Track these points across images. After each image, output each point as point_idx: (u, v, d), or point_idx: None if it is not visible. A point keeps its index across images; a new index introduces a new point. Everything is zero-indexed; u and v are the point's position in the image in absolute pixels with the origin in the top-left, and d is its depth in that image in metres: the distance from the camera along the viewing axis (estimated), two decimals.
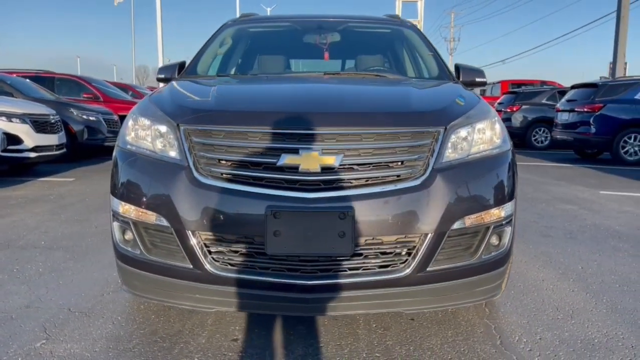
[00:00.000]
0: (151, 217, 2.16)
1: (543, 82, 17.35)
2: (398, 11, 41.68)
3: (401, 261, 2.09)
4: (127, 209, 2.24)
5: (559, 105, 11.75)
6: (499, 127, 2.38)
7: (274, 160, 2.06)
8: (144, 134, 2.32)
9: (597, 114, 10.32)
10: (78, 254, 3.69)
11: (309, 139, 2.06)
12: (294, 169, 2.04)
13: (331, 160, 2.04)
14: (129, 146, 2.35)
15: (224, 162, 2.11)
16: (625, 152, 10.20)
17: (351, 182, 2.05)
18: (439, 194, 2.08)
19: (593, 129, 10.30)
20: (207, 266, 2.09)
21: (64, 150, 8.24)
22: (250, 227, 2.04)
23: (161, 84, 3.58)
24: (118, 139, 2.47)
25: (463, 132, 2.23)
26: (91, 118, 9.76)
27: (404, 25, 3.85)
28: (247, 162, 2.09)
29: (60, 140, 8.07)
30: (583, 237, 4.37)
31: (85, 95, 11.53)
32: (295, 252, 2.00)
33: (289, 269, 2.05)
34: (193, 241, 2.09)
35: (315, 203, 1.99)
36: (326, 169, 2.03)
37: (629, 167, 9.76)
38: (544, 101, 14.02)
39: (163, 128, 2.26)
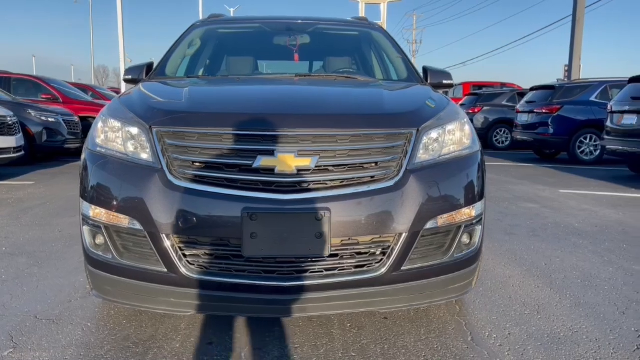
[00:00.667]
0: (124, 220, 2.13)
1: (503, 84, 17.79)
2: (362, 13, 42.10)
3: (376, 261, 2.12)
4: (98, 213, 2.20)
5: (518, 107, 12.06)
6: (468, 128, 2.43)
7: (250, 162, 2.05)
8: (114, 136, 2.28)
9: (554, 115, 10.64)
10: (42, 259, 3.59)
11: (285, 140, 2.07)
12: (269, 171, 2.04)
13: (307, 162, 2.05)
14: (98, 148, 2.31)
15: (197, 164, 2.10)
16: (582, 152, 10.55)
17: (327, 184, 2.06)
18: (413, 195, 2.12)
19: (551, 130, 10.61)
20: (182, 270, 2.07)
21: (22, 153, 7.99)
22: (225, 230, 2.03)
23: (128, 85, 3.53)
24: (87, 141, 2.42)
25: (434, 134, 2.27)
26: (50, 119, 9.49)
27: (373, 28, 3.90)
28: (222, 164, 2.08)
29: (18, 142, 7.82)
30: (545, 235, 4.51)
31: (43, 96, 11.20)
32: (272, 254, 2.00)
33: (266, 270, 2.06)
34: (167, 244, 2.07)
35: (292, 205, 2.00)
36: (302, 171, 2.04)
37: (585, 167, 10.10)
38: (504, 103, 14.37)
39: (134, 130, 2.22)
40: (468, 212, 2.26)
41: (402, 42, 74.59)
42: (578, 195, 6.71)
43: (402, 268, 2.13)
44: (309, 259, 2.05)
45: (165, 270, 2.09)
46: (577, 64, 15.18)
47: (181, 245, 2.07)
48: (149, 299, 2.20)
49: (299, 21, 3.79)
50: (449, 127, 2.34)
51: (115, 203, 2.14)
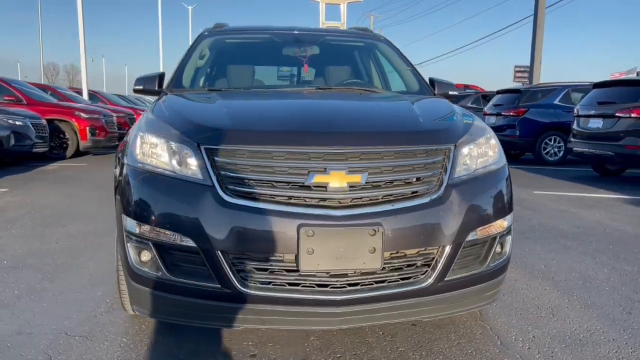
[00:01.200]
0: (175, 237, 2.14)
1: (466, 86, 18.25)
2: (322, 13, 42.24)
3: (422, 272, 2.20)
4: (146, 230, 2.20)
5: (486, 109, 12.44)
6: (495, 142, 2.55)
7: (302, 180, 2.10)
8: (158, 152, 2.29)
9: (521, 117, 11.04)
10: (49, 273, 3.52)
11: (336, 158, 2.13)
12: (322, 187, 2.10)
13: (358, 179, 2.12)
14: (140, 164, 2.31)
15: (249, 181, 2.13)
16: (547, 153, 10.99)
17: (377, 199, 2.14)
18: (455, 208, 2.22)
19: (518, 132, 11.01)
20: (237, 285, 2.10)
21: None
22: (280, 245, 2.07)
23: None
24: (125, 157, 2.42)
25: (468, 149, 2.38)
26: (18, 123, 9.18)
27: (378, 39, 3.99)
28: (274, 181, 2.12)
29: None
30: (535, 237, 4.71)
31: (6, 98, 10.81)
32: (328, 268, 2.06)
33: (319, 284, 2.11)
34: (221, 261, 2.09)
35: (346, 220, 2.07)
36: (353, 187, 2.11)
37: (550, 167, 10.54)
38: (469, 104, 14.76)
39: (181, 147, 2.24)
40: (501, 224, 2.38)
41: None
42: (553, 196, 7.00)
43: (445, 279, 2.23)
44: (361, 272, 2.12)
45: (219, 286, 2.12)
46: (538, 67, 15.67)
47: (235, 261, 2.10)
48: (200, 315, 2.23)
49: (307, 32, 3.85)
50: (480, 141, 2.45)
51: (166, 220, 2.16)
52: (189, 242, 2.12)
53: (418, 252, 2.18)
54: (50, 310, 2.88)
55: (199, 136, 2.24)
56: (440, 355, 2.43)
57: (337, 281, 2.11)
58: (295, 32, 3.84)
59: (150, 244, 2.20)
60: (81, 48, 17.95)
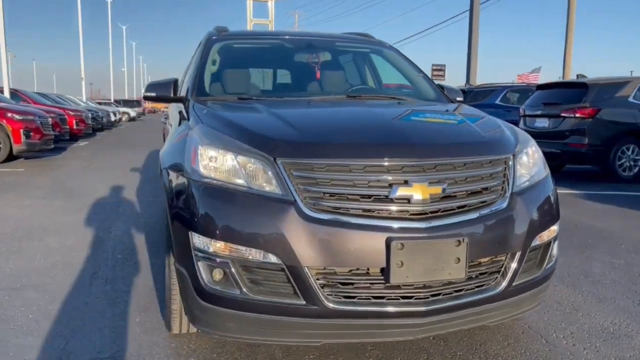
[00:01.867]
0: (258, 254, 2.09)
1: (401, 86, 18.66)
2: (249, 10, 41.76)
3: (493, 279, 2.28)
4: (221, 247, 2.13)
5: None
6: (538, 150, 2.67)
7: (386, 192, 2.11)
8: (227, 167, 2.21)
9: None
10: (55, 293, 3.29)
11: (415, 170, 2.15)
12: (405, 200, 2.11)
13: (438, 190, 2.15)
14: (206, 179, 2.22)
15: (329, 195, 2.11)
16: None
17: (455, 210, 2.18)
18: (521, 216, 2.30)
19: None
20: (323, 301, 2.07)
21: None
22: (367, 259, 2.07)
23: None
24: (184, 171, 2.32)
25: (524, 158, 2.48)
26: None
27: (383, 46, 4.04)
28: (356, 194, 2.11)
29: None
30: None
31: None
32: (417, 281, 2.08)
33: (403, 296, 2.13)
34: (307, 277, 2.06)
35: (431, 232, 2.09)
36: (434, 199, 2.14)
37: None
38: None
39: (254, 162, 2.18)
40: (554, 229, 2.50)
41: None
42: None
43: (513, 284, 2.31)
44: (443, 283, 2.15)
45: (304, 302, 2.08)
46: (475, 67, 16.26)
47: (319, 276, 2.08)
48: (280, 332, 2.18)
49: (317, 38, 3.83)
50: (529, 150, 2.56)
51: (247, 237, 2.09)
52: (274, 259, 2.07)
53: (491, 259, 2.25)
54: (81, 334, 2.70)
55: (273, 150, 2.18)
56: (499, 357, 2.51)
57: (420, 292, 2.13)
58: (306, 37, 3.81)
59: (229, 262, 2.12)
60: (1, 43, 16.71)
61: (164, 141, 5.41)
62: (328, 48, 3.82)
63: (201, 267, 2.19)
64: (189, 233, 2.21)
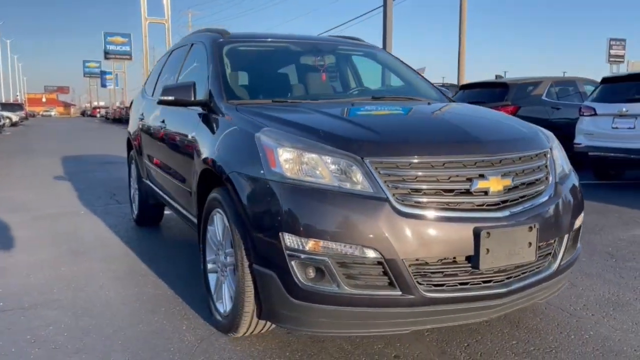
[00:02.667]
0: (353, 250, 2.18)
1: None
2: (144, 8, 40.15)
3: (548, 261, 2.54)
4: (317, 245, 2.19)
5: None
6: (561, 146, 2.97)
7: (467, 186, 2.29)
8: (313, 167, 2.29)
9: None
10: (78, 308, 3.13)
11: (491, 164, 2.35)
12: (483, 192, 2.31)
13: (508, 182, 2.37)
14: (290, 180, 2.27)
15: (416, 191, 2.25)
16: None
17: (523, 199, 2.41)
18: (565, 203, 2.59)
19: None
20: (418, 290, 2.21)
21: None
22: (455, 248, 2.24)
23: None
24: (260, 174, 2.35)
25: (554, 151, 2.77)
26: None
27: (375, 49, 4.21)
28: (440, 189, 2.27)
29: None
30: None
31: None
32: (500, 265, 2.28)
33: (484, 281, 2.32)
34: (403, 269, 2.19)
35: (509, 220, 2.31)
36: (506, 190, 2.36)
37: None
38: None
39: (342, 161, 2.27)
40: (582, 215, 2.82)
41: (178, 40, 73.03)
42: None
43: (561, 263, 2.59)
44: (516, 266, 2.37)
45: (400, 292, 2.21)
46: None
47: (413, 267, 2.21)
48: (374, 324, 2.28)
49: (319, 41, 3.92)
50: (556, 144, 2.86)
51: (341, 234, 2.18)
52: (372, 254, 2.17)
53: (548, 242, 2.51)
54: (146, 348, 2.62)
55: (359, 150, 2.28)
56: (540, 331, 2.79)
57: (498, 276, 2.34)
58: (310, 41, 3.89)
59: (327, 259, 2.19)
60: None
61: (132, 148, 5.21)
62: (333, 51, 3.93)
63: (295, 265, 2.24)
64: (280, 234, 2.25)
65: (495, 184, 2.32)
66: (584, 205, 2.83)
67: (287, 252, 2.24)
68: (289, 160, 2.33)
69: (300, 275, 2.24)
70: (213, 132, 2.98)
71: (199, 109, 3.27)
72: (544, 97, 9.35)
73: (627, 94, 7.35)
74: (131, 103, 5.98)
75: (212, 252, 2.96)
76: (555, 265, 2.55)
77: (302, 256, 2.22)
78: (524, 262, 2.36)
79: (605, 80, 7.86)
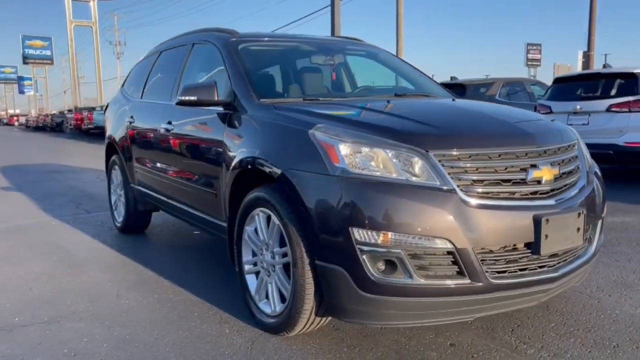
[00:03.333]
0: (425, 241, 2.23)
1: None
2: (68, 12, 38.50)
3: (586, 246, 2.69)
4: (389, 238, 2.22)
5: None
6: None
7: (523, 176, 2.40)
8: (377, 161, 2.32)
9: None
10: (104, 319, 2.98)
11: (541, 154, 2.47)
12: (536, 181, 2.42)
13: (556, 172, 2.50)
14: (357, 175, 2.29)
15: (477, 182, 2.33)
16: None
17: (566, 187, 2.55)
18: (598, 190, 2.76)
19: None
20: (486, 277, 2.28)
21: None
22: (516, 235, 2.34)
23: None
24: (322, 170, 2.35)
25: (580, 143, 2.94)
26: None
27: (377, 48, 4.28)
28: (499, 179, 2.37)
29: None
30: None
31: None
32: (557, 249, 2.40)
33: (540, 266, 2.43)
34: (472, 257, 2.26)
35: (561, 207, 2.43)
36: (555, 179, 2.49)
37: None
38: None
39: (407, 155, 2.31)
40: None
41: (104, 44, 70.61)
42: None
43: (596, 249, 2.76)
44: (566, 250, 2.50)
45: (469, 281, 2.27)
46: None
47: (479, 255, 2.29)
48: (442, 313, 2.34)
49: (327, 41, 3.95)
50: (579, 136, 3.04)
51: (413, 226, 2.21)
52: (444, 244, 2.23)
53: (586, 228, 2.66)
54: (199, 353, 2.54)
55: (422, 144, 2.33)
56: (570, 313, 2.95)
57: (550, 261, 2.46)
58: (318, 40, 3.91)
59: (400, 251, 2.22)
60: None
61: (115, 153, 4.99)
62: (342, 51, 3.97)
63: (366, 259, 2.26)
64: (349, 229, 2.26)
65: (547, 174, 2.44)
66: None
67: (358, 246, 2.25)
68: (352, 155, 2.34)
69: (372, 268, 2.26)
70: (246, 132, 2.94)
71: (219, 110, 3.21)
72: (497, 97, 9.80)
73: (579, 92, 7.84)
74: (106, 107, 5.74)
75: (250, 252, 2.91)
76: (592, 250, 2.71)
77: (374, 249, 2.24)
78: (572, 247, 2.50)
79: (557, 80, 8.36)
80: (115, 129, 5.05)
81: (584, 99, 7.64)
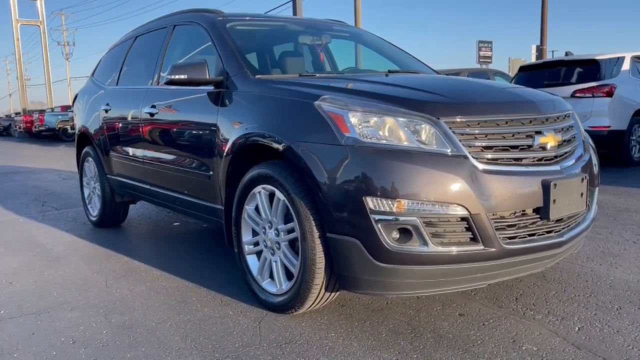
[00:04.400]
0: (440, 208, 2.21)
1: None
2: (14, 10, 37.03)
3: (587, 209, 2.74)
4: (404, 205, 2.20)
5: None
6: None
7: (530, 142, 2.42)
8: (389, 129, 2.29)
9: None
10: (98, 308, 2.86)
11: (545, 122, 2.50)
12: (541, 148, 2.45)
13: (559, 138, 2.54)
14: (369, 143, 2.26)
15: (488, 148, 2.33)
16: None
17: (569, 153, 2.59)
18: (592, 160, 2.82)
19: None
20: (499, 243, 2.29)
21: None
22: (526, 201, 2.35)
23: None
24: (331, 140, 2.31)
25: (574, 114, 2.99)
26: None
27: (360, 30, 4.26)
28: (507, 145, 2.38)
29: None
30: None
31: None
32: (563, 214, 2.43)
33: (547, 231, 2.46)
34: (487, 223, 2.26)
35: (567, 172, 2.47)
36: (559, 145, 2.52)
37: None
38: None
39: (419, 123, 2.29)
40: None
41: (52, 44, 68.29)
42: None
43: (592, 215, 2.81)
44: (571, 215, 2.53)
45: (482, 247, 2.27)
46: None
47: (492, 220, 2.29)
48: (456, 280, 2.33)
49: (316, 22, 3.90)
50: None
51: (428, 193, 2.20)
52: (459, 210, 2.22)
53: (583, 194, 2.71)
54: (206, 334, 2.46)
55: (434, 111, 2.32)
56: (563, 281, 3.00)
57: (557, 226, 2.49)
58: (305, 21, 3.85)
59: (415, 219, 2.20)
60: None
61: (88, 144, 4.79)
62: (329, 31, 3.92)
63: (382, 228, 2.22)
64: (363, 198, 2.22)
65: (551, 140, 2.47)
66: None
67: (372, 215, 2.22)
68: (362, 124, 2.31)
69: (387, 237, 2.23)
70: (243, 109, 2.87)
71: (209, 89, 3.12)
72: None
73: (544, 80, 8.05)
74: (75, 98, 5.51)
75: (250, 232, 2.84)
76: (590, 217, 2.76)
77: (389, 218, 2.21)
78: (576, 212, 2.54)
79: (523, 69, 8.56)
80: (87, 119, 4.85)
81: (549, 85, 7.84)
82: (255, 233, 2.82)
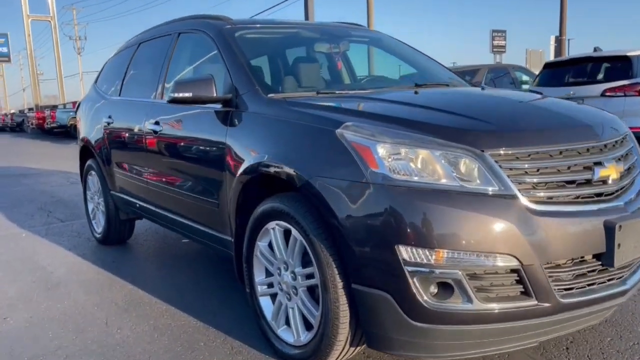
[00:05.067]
0: (488, 258, 1.88)
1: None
2: (25, 6, 37.03)
3: None
4: (442, 256, 1.86)
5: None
6: None
7: (589, 176, 2.06)
8: (424, 164, 1.94)
9: None
10: (96, 355, 2.57)
11: (598, 150, 2.13)
12: (602, 181, 2.09)
13: (621, 168, 2.18)
14: (400, 182, 1.91)
15: (539, 184, 1.99)
16: None
17: (629, 185, 2.23)
18: None
19: None
20: (554, 297, 1.95)
21: None
22: (586, 246, 2.01)
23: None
24: (363, 175, 1.97)
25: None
26: None
27: (380, 34, 3.90)
28: (563, 181, 2.03)
29: None
30: None
31: None
32: (628, 259, 2.08)
33: (609, 279, 2.11)
34: (541, 274, 1.92)
35: (630, 209, 2.11)
36: (621, 176, 2.16)
37: None
38: None
39: (459, 156, 1.95)
40: None
41: (64, 39, 68.46)
42: None
43: None
44: (630, 261, 2.17)
45: (535, 302, 1.93)
46: None
47: (548, 271, 1.95)
48: (504, 340, 1.99)
49: (331, 26, 3.55)
50: None
51: (472, 241, 1.86)
52: (509, 261, 1.88)
53: None
54: None
55: (476, 142, 1.97)
56: (613, 324, 2.66)
57: (618, 273, 2.13)
58: (320, 26, 3.50)
59: (459, 272, 1.87)
60: None
61: (91, 157, 4.50)
62: (347, 38, 3.57)
63: (417, 282, 1.89)
64: (395, 247, 1.89)
65: (613, 172, 2.12)
66: None
67: (406, 267, 1.89)
68: (392, 158, 1.97)
69: (425, 293, 1.90)
70: (254, 133, 2.54)
71: (217, 107, 2.80)
72: (483, 84, 9.54)
73: (570, 77, 7.63)
74: (78, 106, 5.23)
75: (263, 271, 2.53)
76: None
77: (427, 271, 1.88)
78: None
79: (548, 65, 8.13)
80: (90, 131, 4.56)
81: (576, 84, 7.44)
82: (269, 272, 2.50)
